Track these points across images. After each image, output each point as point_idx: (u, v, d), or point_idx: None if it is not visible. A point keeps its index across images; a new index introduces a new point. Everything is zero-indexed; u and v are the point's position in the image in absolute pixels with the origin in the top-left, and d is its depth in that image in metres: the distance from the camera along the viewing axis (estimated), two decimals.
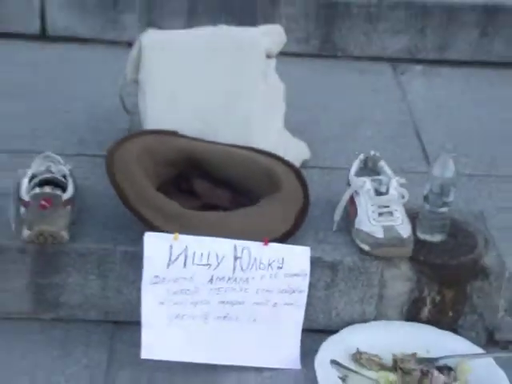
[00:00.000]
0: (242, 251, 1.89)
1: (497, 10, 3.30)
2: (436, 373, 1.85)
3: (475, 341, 2.02)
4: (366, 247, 2.01)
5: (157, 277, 1.84)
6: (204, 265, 1.87)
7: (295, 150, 2.46)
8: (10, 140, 2.49)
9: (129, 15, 3.25)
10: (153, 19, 3.24)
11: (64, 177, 2.04)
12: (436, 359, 1.92)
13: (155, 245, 1.86)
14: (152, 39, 2.47)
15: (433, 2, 3.30)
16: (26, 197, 1.94)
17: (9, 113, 2.64)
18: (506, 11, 3.29)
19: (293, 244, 1.97)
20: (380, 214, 2.02)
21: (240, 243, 1.89)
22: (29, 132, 2.51)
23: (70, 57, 3.19)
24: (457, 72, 3.29)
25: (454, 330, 2.07)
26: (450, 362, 1.92)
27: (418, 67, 3.30)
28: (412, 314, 2.10)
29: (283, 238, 1.99)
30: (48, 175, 2.04)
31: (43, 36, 3.38)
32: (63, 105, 2.71)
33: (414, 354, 1.92)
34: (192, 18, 3.20)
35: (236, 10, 3.22)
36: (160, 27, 2.87)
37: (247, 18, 3.06)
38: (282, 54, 2.56)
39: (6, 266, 1.98)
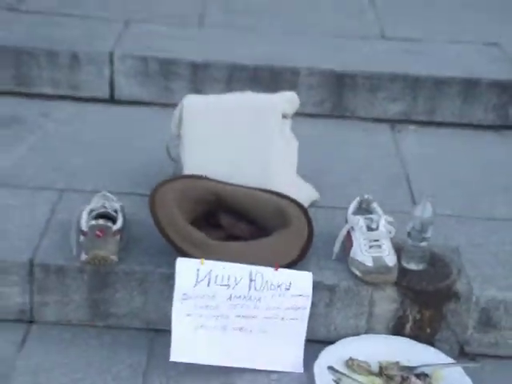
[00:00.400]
0: (256, 275, 1.89)
1: (475, 83, 3.32)
2: (414, 378, 1.87)
3: (448, 353, 2.04)
4: (358, 273, 2.03)
5: (185, 294, 1.85)
6: (224, 285, 1.87)
7: (306, 193, 2.49)
8: (78, 182, 2.52)
9: (179, 82, 3.29)
10: (197, 86, 3.28)
11: (115, 211, 2.10)
12: (415, 367, 1.92)
13: (185, 268, 1.88)
14: (191, 102, 2.50)
15: (424, 76, 3.38)
16: (84, 227, 2.00)
17: (78, 162, 2.70)
18: (482, 84, 3.31)
19: (299, 269, 1.99)
20: (370, 247, 2.03)
21: (255, 268, 1.90)
22: (93, 176, 2.56)
23: (132, 117, 3.23)
24: (443, 132, 3.31)
25: (431, 344, 2.08)
26: (426, 370, 1.92)
27: (412, 127, 3.33)
28: (396, 329, 2.11)
29: (291, 265, 2.02)
30: (102, 210, 2.11)
31: (111, 100, 3.35)
32: (122, 156, 2.77)
33: (396, 363, 1.93)
34: (229, 85, 3.24)
35: (265, 79, 3.28)
36: (203, 92, 2.99)
37: (273, 85, 3.09)
38: (302, 114, 2.64)
39: (68, 282, 2.02)
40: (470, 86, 3.35)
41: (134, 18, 3.74)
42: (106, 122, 3.17)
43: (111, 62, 3.31)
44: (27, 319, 2.04)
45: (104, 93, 3.32)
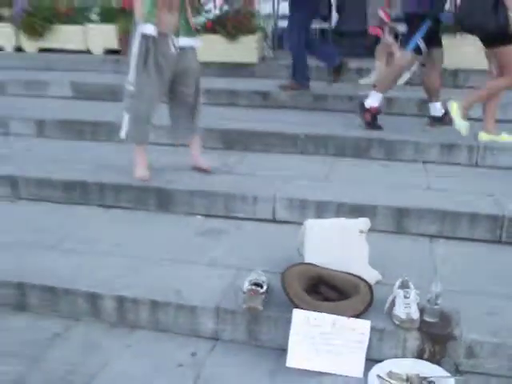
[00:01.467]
0: (338, 320, 2.81)
1: None
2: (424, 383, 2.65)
3: (448, 370, 2.77)
4: (397, 322, 2.88)
5: (297, 330, 2.82)
6: (319, 326, 2.82)
7: (373, 275, 3.31)
8: (249, 266, 3.39)
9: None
10: None
11: (263, 281, 3.07)
12: (427, 377, 2.66)
13: (298, 316, 2.81)
14: (309, 224, 3.44)
15: None
16: (244, 289, 3.00)
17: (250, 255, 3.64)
18: None
19: (363, 319, 2.83)
20: (405, 307, 2.86)
21: (338, 317, 2.81)
22: (256, 264, 3.40)
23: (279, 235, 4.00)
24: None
25: (439, 364, 2.81)
26: (434, 379, 2.65)
27: None
28: (419, 356, 2.87)
29: (357, 316, 2.87)
30: (255, 280, 3.08)
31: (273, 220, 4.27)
32: (271, 255, 3.60)
33: (417, 375, 2.66)
34: None
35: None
36: None
37: None
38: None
39: (233, 317, 3.04)
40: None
41: None
42: (268, 237, 3.96)
43: None
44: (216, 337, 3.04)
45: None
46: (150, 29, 4.10)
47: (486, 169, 5.21)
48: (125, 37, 8.17)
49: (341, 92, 6.82)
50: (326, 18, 9.48)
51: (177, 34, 4.28)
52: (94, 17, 8.93)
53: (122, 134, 4.40)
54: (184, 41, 4.31)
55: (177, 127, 4.73)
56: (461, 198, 4.37)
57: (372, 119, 5.75)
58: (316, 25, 9.64)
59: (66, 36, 8.97)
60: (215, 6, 8.17)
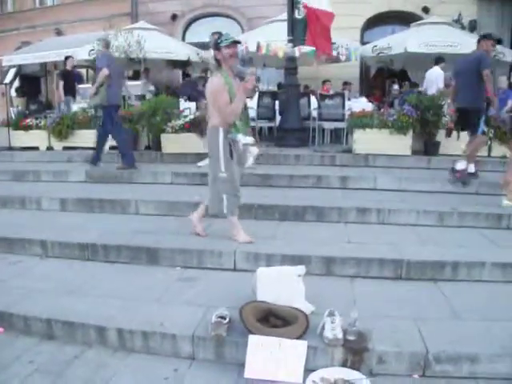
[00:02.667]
0: (283, 342, 2.88)
1: None
2: None
3: (365, 374, 2.86)
4: (326, 341, 2.96)
5: (253, 349, 2.88)
6: (269, 346, 2.88)
7: (308, 307, 3.32)
8: (217, 304, 3.48)
9: None
10: None
11: (226, 315, 3.14)
12: (349, 380, 2.75)
13: (252, 339, 2.91)
14: (261, 271, 3.48)
15: None
16: (212, 321, 3.06)
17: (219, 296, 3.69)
18: None
19: (302, 340, 2.93)
20: (332, 330, 2.96)
21: (283, 339, 2.89)
22: (222, 304, 3.43)
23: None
24: None
25: (358, 370, 2.88)
26: (354, 381, 2.74)
27: None
28: (343, 365, 2.93)
29: (298, 338, 2.96)
30: (220, 314, 3.15)
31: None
32: (233, 295, 3.60)
33: (342, 378, 2.75)
34: None
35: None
36: None
37: None
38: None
39: (207, 345, 3.08)
40: None
41: None
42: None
43: None
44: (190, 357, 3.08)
45: None
46: (242, 138, 4.25)
47: (389, 225, 5.33)
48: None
49: (280, 172, 6.93)
50: (271, 118, 9.71)
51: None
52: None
53: (224, 210, 4.39)
54: (246, 139, 4.37)
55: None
56: (372, 248, 4.47)
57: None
58: (264, 124, 9.95)
59: (83, 137, 9.21)
60: (190, 112, 8.35)
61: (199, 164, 7.42)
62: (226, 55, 4.14)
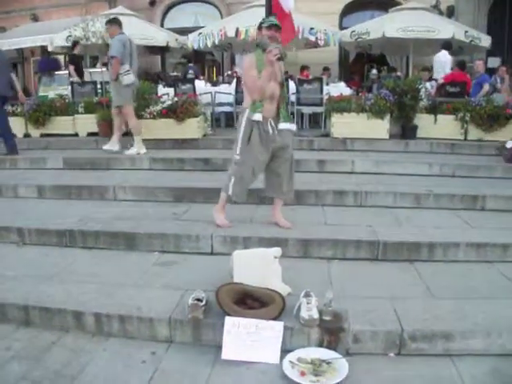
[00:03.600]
0: (260, 323, 2.88)
1: None
2: (324, 364, 2.69)
3: (341, 353, 2.83)
4: (302, 322, 2.95)
5: (229, 330, 2.87)
6: (246, 328, 2.87)
7: (285, 288, 3.34)
8: (195, 287, 3.46)
9: None
10: None
11: (202, 297, 3.12)
12: (326, 359, 2.74)
13: (229, 321, 2.89)
14: (237, 253, 3.50)
15: None
16: (189, 304, 3.05)
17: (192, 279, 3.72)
18: None
19: (278, 321, 2.91)
20: (307, 310, 2.96)
21: (259, 321, 2.89)
22: (198, 286, 3.44)
23: None
24: None
25: (335, 350, 2.87)
26: (331, 360, 2.72)
27: None
28: (320, 345, 2.93)
29: (274, 319, 2.94)
30: (196, 296, 3.13)
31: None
32: (210, 278, 3.59)
33: (318, 358, 2.74)
34: None
35: None
36: None
37: None
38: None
39: (184, 327, 3.06)
40: None
41: None
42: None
43: None
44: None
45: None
46: (257, 116, 4.15)
47: (366, 208, 5.37)
48: (102, 123, 8.31)
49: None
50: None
51: (276, 119, 4.33)
52: (80, 110, 9.08)
53: (230, 191, 4.36)
54: (283, 125, 4.31)
55: (273, 187, 4.56)
56: (349, 230, 4.49)
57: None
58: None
59: (60, 124, 9.10)
60: (168, 98, 8.30)
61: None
62: (265, 36, 4.20)
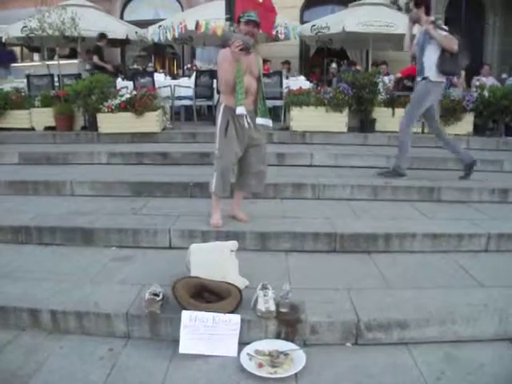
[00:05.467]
0: (217, 316, 2.87)
1: None
2: (281, 355, 2.71)
3: (299, 345, 2.88)
4: (259, 314, 2.96)
5: (186, 325, 2.84)
6: (203, 321, 2.86)
7: (242, 281, 3.38)
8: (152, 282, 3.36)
9: None
10: None
11: (159, 292, 3.08)
12: (284, 351, 2.76)
13: (185, 315, 2.86)
14: (194, 247, 3.50)
15: None
16: (146, 298, 3.02)
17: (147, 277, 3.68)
18: None
19: (236, 314, 2.92)
20: (265, 303, 2.96)
21: (216, 314, 2.88)
22: (154, 280, 3.47)
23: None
24: None
25: (292, 341, 2.90)
26: (288, 352, 2.74)
27: None
28: (277, 336, 2.94)
29: (231, 312, 2.95)
30: (153, 291, 3.09)
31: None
32: (167, 272, 3.66)
33: (276, 350, 2.75)
34: None
35: None
36: None
37: None
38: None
39: (142, 322, 3.03)
40: None
41: None
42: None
43: None
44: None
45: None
46: (239, 110, 4.09)
47: (324, 200, 5.41)
48: (59, 117, 8.14)
49: None
50: (210, 97, 9.69)
51: (253, 114, 4.29)
52: (36, 103, 8.87)
53: (212, 188, 4.34)
54: (260, 120, 4.27)
55: (242, 182, 4.55)
56: (306, 222, 4.52)
57: None
58: (203, 103, 9.91)
59: (17, 118, 8.87)
60: (127, 91, 8.19)
61: None
62: (242, 31, 4.16)
